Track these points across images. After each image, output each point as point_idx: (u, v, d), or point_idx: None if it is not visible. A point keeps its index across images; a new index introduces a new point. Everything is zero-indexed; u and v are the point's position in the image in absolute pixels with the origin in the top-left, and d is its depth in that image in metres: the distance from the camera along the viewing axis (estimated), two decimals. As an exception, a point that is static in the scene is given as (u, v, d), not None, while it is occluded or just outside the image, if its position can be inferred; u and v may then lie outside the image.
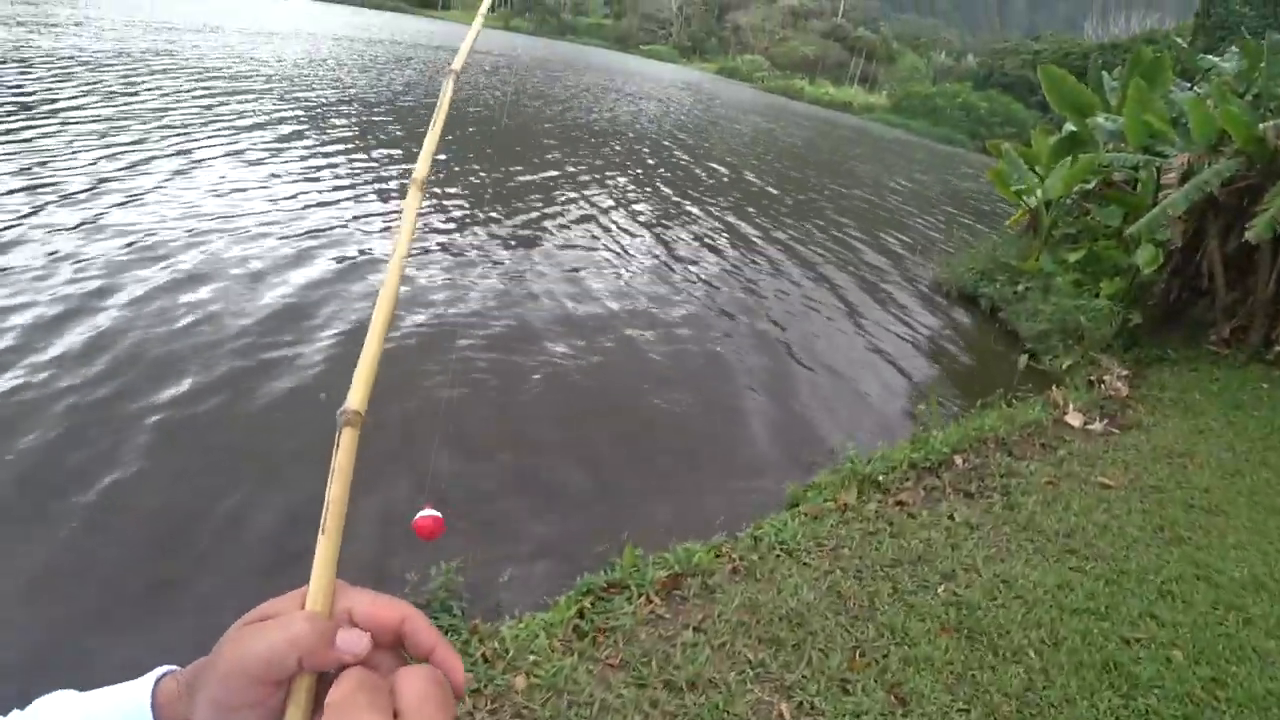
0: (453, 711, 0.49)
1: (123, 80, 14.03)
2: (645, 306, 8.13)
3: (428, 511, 0.79)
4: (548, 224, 10.60)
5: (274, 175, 9.95)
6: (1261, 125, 8.09)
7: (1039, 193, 10.33)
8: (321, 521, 0.54)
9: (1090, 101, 11.38)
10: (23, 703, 0.58)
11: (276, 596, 0.55)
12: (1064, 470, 5.48)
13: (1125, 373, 8.43)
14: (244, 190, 9.06)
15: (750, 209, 14.46)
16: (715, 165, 19.10)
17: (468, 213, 10.33)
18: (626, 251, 10.05)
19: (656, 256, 10.09)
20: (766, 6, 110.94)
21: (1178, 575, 4.03)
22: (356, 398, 0.59)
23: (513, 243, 9.41)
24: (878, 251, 12.92)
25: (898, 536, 4.13)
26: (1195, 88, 10.33)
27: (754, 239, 12.17)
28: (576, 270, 8.86)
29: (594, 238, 10.42)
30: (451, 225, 9.61)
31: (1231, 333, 9.49)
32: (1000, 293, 10.06)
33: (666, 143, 21.36)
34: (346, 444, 0.57)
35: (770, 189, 17.18)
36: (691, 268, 9.85)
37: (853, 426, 6.36)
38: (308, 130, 13.09)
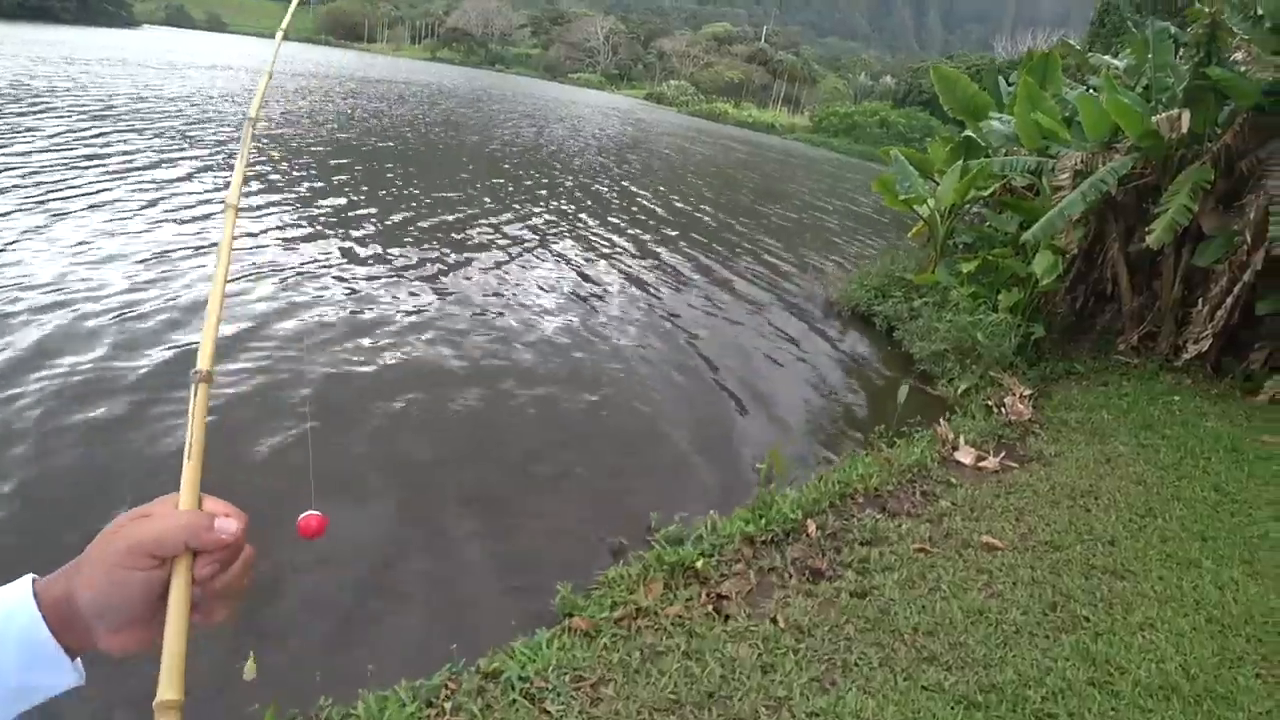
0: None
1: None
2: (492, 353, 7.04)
3: (313, 512, 0.87)
4: (456, 252, 10.09)
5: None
6: (1154, 118, 7.38)
7: (930, 202, 9.54)
8: (187, 451, 0.71)
9: (984, 103, 10.72)
10: None
11: (139, 506, 0.70)
12: (943, 529, 4.49)
13: (1028, 392, 7.58)
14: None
15: (636, 228, 13.51)
16: (634, 188, 18.19)
17: (369, 243, 9.80)
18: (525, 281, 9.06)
19: (549, 288, 9.04)
20: (692, 33, 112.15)
21: (1065, 685, 3.02)
22: (204, 360, 0.77)
23: (417, 274, 8.84)
24: (771, 271, 12.01)
25: (694, 656, 3.04)
26: (1089, 89, 9.70)
27: (632, 259, 11.19)
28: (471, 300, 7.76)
29: (499, 264, 9.86)
30: (335, 255, 9.04)
31: (1140, 340, 8.78)
32: (895, 310, 9.20)
33: (591, 166, 20.37)
34: (201, 395, 0.75)
35: (658, 209, 16.26)
36: (540, 302, 8.77)
37: (685, 490, 5.28)
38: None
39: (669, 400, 6.79)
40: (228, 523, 0.69)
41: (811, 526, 4.38)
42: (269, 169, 13.11)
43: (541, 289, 9.09)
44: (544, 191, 15.87)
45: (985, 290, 8.70)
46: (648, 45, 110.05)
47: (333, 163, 14.81)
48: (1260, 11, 6.87)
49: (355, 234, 10.01)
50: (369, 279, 8.33)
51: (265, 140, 15.94)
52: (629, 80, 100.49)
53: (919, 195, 9.40)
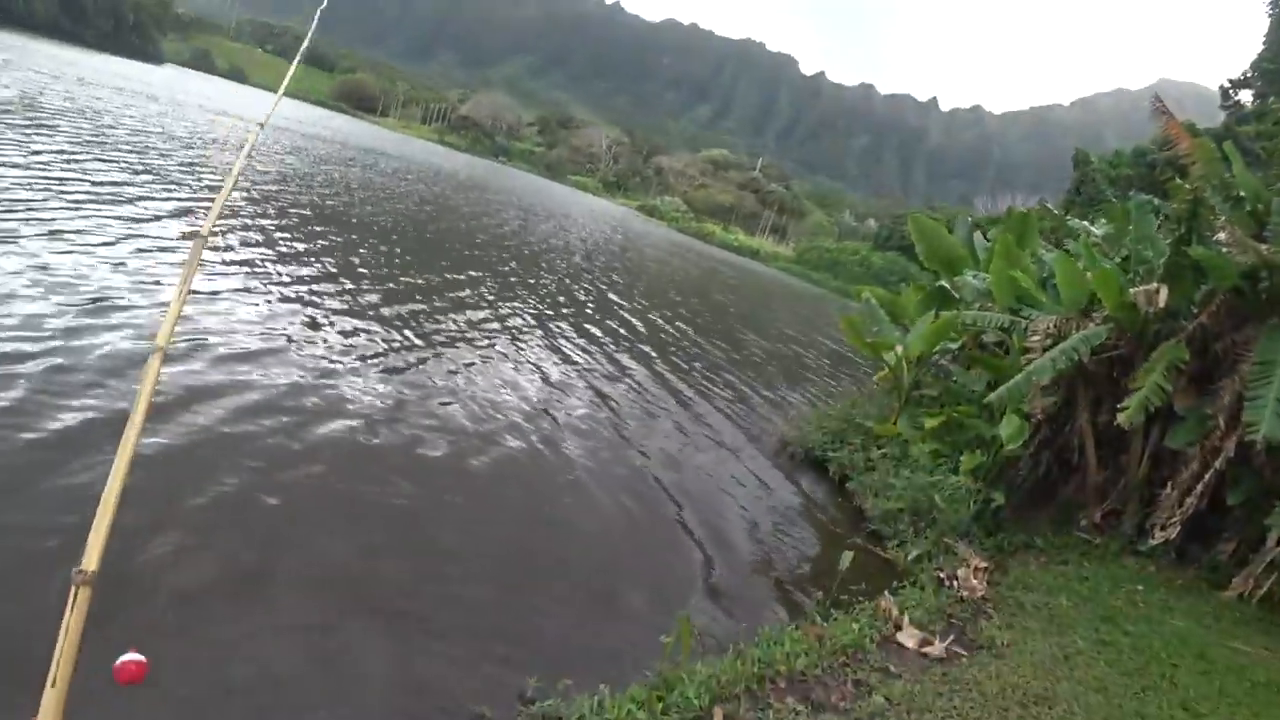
0: None
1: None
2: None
3: (132, 655, 0.77)
4: (420, 339, 9.65)
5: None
6: (1132, 290, 7.15)
7: (898, 348, 9.22)
8: (51, 675, 0.60)
9: (960, 255, 10.61)
10: None
11: None
12: (872, 734, 3.81)
13: (984, 564, 7.00)
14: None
15: (609, 337, 13.09)
16: (613, 295, 17.93)
17: (330, 317, 9.23)
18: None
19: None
20: (690, 155, 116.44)
21: None
22: (92, 558, 0.66)
23: (374, 354, 8.37)
24: (737, 401, 11.55)
25: None
26: (1067, 252, 9.59)
27: (599, 371, 10.68)
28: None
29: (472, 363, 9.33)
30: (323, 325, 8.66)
31: (1104, 517, 8.29)
32: (851, 459, 8.70)
33: (573, 269, 20.17)
34: (80, 604, 0.63)
35: (634, 321, 15.95)
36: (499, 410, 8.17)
37: (587, 641, 4.56)
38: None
39: (598, 526, 6.14)
40: None
41: (719, 716, 3.69)
42: (245, 223, 12.64)
43: (501, 387, 8.54)
44: (522, 289, 15.53)
45: (947, 448, 8.26)
46: (647, 160, 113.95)
47: (313, 228, 14.41)
48: (1241, 194, 6.75)
49: (317, 305, 9.48)
50: (324, 355, 7.74)
51: (247, 198, 15.57)
52: (625, 190, 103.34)
53: (886, 340, 9.07)
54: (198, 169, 17.09)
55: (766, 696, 4.01)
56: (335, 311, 9.48)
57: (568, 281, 18.34)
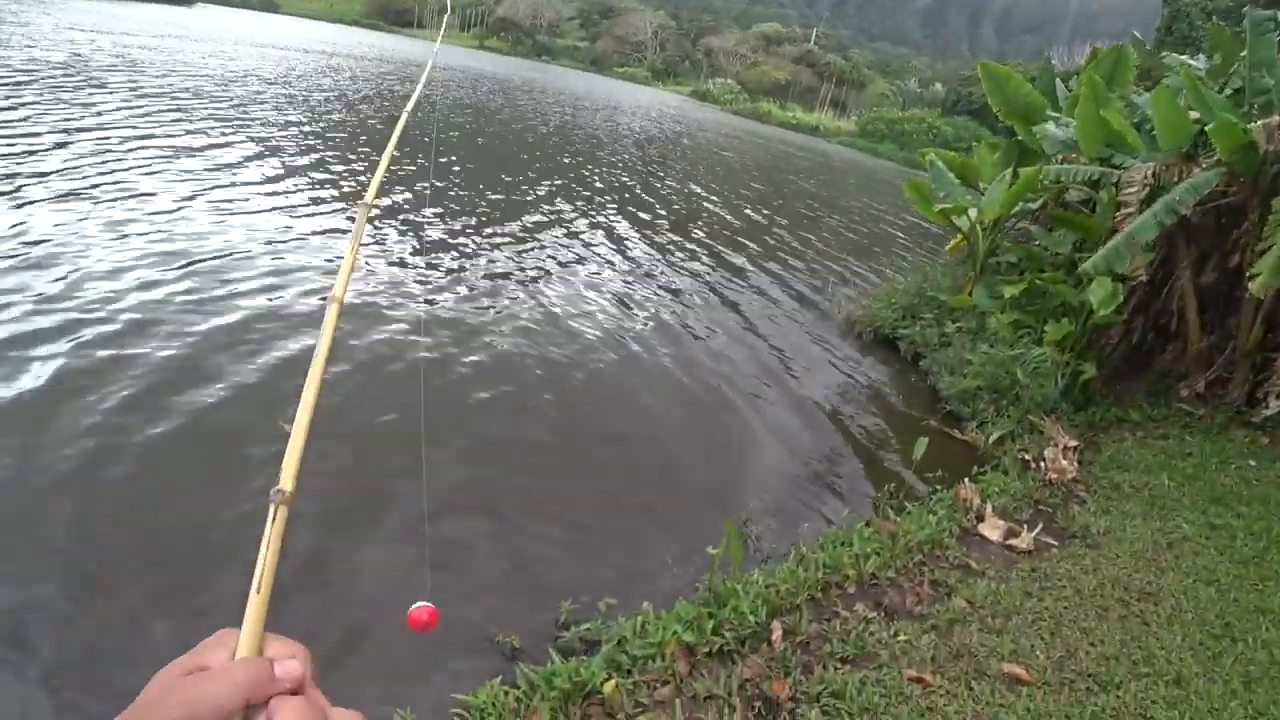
0: None
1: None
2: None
3: (422, 603, 0.79)
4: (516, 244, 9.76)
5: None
6: (1250, 125, 6.15)
7: (972, 212, 8.35)
8: (255, 582, 0.61)
9: (1038, 104, 9.48)
10: None
11: (190, 651, 0.59)
12: (953, 644, 3.40)
13: (1073, 443, 6.42)
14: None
15: (678, 227, 12.45)
16: (671, 183, 17.13)
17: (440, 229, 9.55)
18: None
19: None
20: (740, 32, 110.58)
21: None
22: (288, 479, 0.67)
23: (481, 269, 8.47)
24: (797, 286, 10.87)
25: None
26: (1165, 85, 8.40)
27: (652, 260, 10.15)
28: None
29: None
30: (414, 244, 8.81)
31: (1207, 387, 7.54)
32: (923, 335, 8.04)
33: (635, 167, 19.37)
34: (279, 520, 0.65)
35: (709, 208, 15.18)
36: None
37: (631, 557, 4.20)
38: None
39: (648, 425, 5.77)
40: (290, 666, 0.59)
41: (777, 631, 3.32)
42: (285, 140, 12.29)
43: (579, 290, 8.52)
44: (581, 186, 14.99)
45: (1030, 319, 7.52)
46: (696, 42, 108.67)
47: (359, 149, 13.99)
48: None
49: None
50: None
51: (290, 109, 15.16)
52: (675, 76, 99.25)
53: (958, 205, 8.21)
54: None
55: (833, 605, 3.63)
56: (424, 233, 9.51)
57: (620, 173, 17.56)
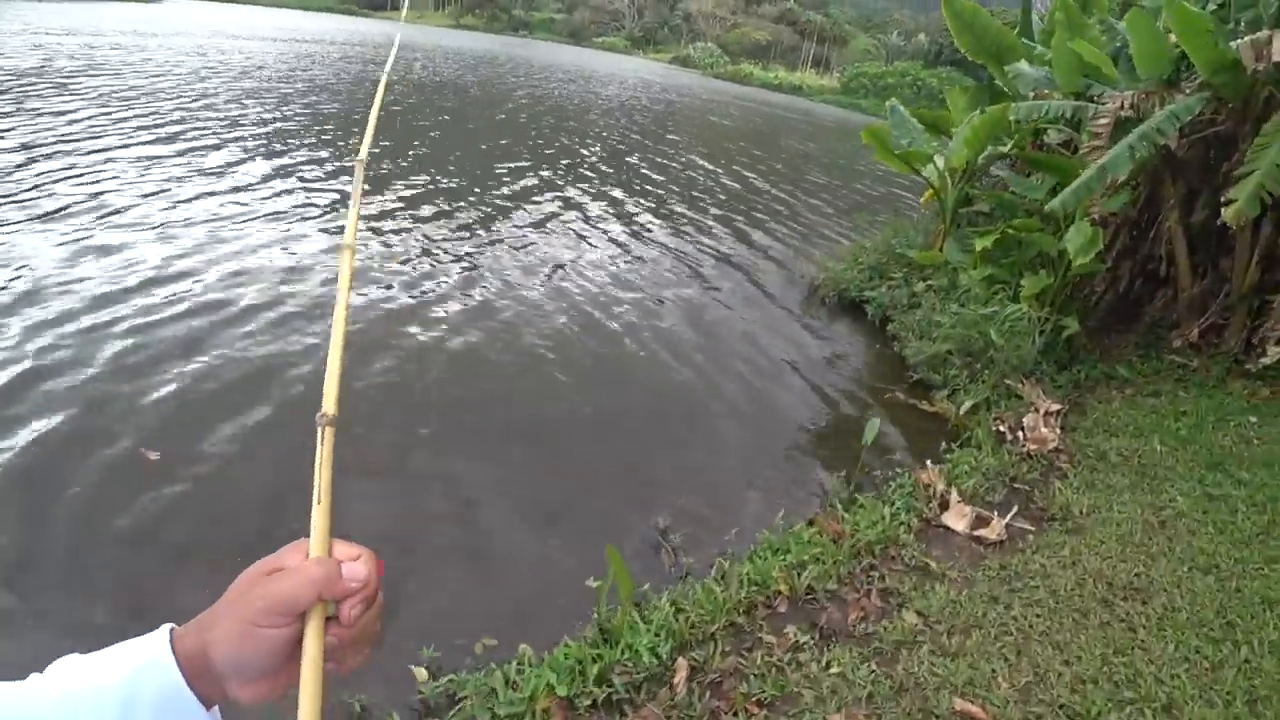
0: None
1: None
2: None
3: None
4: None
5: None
6: (1234, 43, 5.48)
7: (939, 160, 7.68)
8: (315, 495, 0.69)
9: (1010, 41, 8.76)
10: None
11: (271, 554, 0.69)
12: (896, 675, 2.82)
13: (1055, 407, 5.83)
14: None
15: (625, 190, 11.77)
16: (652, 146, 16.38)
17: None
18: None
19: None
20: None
21: None
22: (330, 403, 0.74)
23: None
24: (774, 252, 10.19)
25: None
26: (1141, 6, 7.66)
27: (635, 231, 9.51)
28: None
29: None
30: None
31: (1202, 335, 6.93)
32: (891, 297, 7.41)
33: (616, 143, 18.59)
34: (328, 439, 0.72)
35: (656, 175, 14.47)
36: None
37: (527, 589, 3.59)
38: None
39: (567, 411, 5.19)
40: (357, 568, 0.68)
41: (682, 671, 2.74)
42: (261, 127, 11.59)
43: (538, 259, 8.27)
44: (557, 156, 14.35)
45: (1004, 272, 6.90)
46: (674, 7, 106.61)
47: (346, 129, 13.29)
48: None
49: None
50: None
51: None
52: (654, 44, 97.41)
53: (920, 152, 7.52)
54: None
55: (758, 630, 3.05)
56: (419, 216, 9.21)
57: (593, 140, 16.87)
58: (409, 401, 5.03)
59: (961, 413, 5.59)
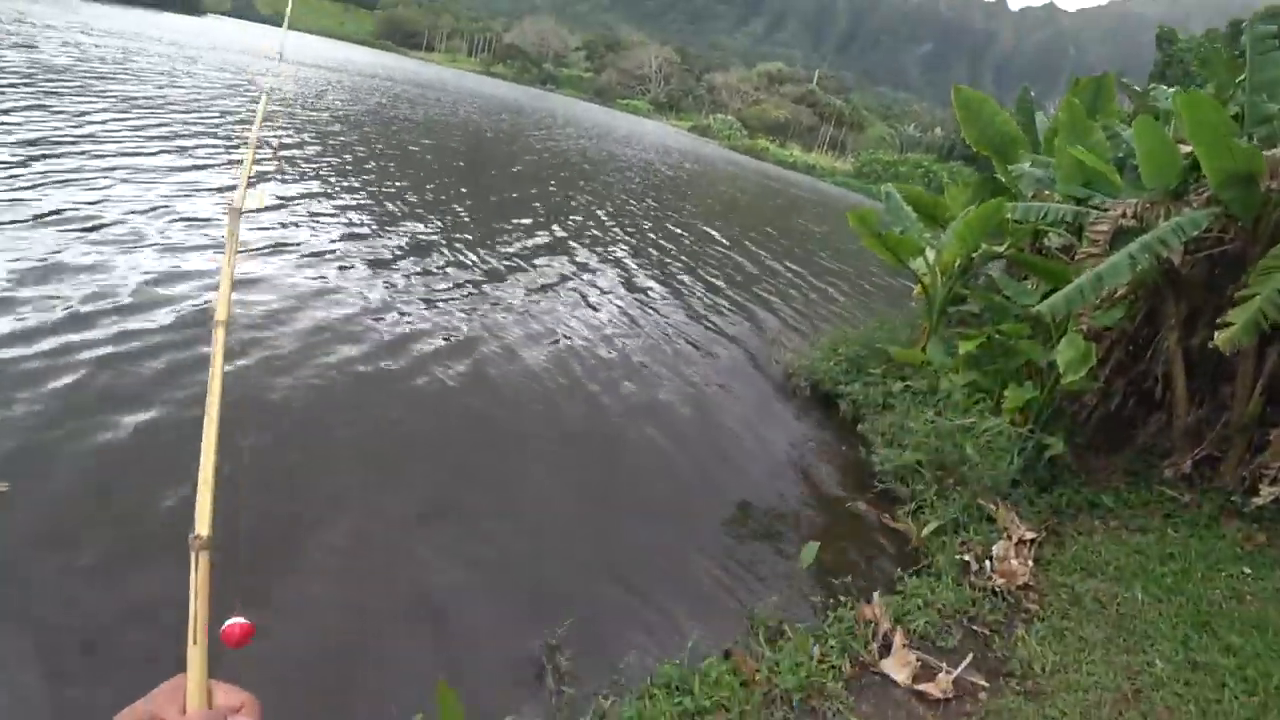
0: None
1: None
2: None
3: (237, 619, 0.80)
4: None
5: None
6: (1264, 154, 5.08)
7: (928, 254, 7.27)
8: (191, 634, 0.65)
9: (1014, 137, 8.47)
10: None
11: (143, 699, 0.64)
12: None
13: (1030, 535, 5.27)
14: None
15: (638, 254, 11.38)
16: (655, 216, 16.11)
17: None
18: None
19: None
20: (744, 70, 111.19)
21: None
22: (202, 523, 0.69)
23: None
24: (762, 325, 9.73)
25: None
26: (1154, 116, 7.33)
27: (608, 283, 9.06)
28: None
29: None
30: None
31: (1195, 467, 6.38)
32: (865, 394, 6.90)
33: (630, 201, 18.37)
34: (202, 566, 0.68)
35: (662, 242, 14.14)
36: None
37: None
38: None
39: (493, 502, 4.62)
40: None
41: None
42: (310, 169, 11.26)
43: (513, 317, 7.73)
44: (564, 209, 14.00)
45: (988, 380, 6.41)
46: (700, 78, 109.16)
47: (383, 165, 12.99)
48: None
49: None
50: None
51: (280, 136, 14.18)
52: (677, 110, 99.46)
53: (909, 241, 7.09)
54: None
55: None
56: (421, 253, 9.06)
57: (600, 204, 16.60)
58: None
59: (924, 534, 5.01)
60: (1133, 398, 7.18)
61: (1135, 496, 6.09)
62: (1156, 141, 5.64)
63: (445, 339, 6.65)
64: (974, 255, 7.09)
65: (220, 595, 0.71)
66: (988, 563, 4.81)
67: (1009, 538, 5.17)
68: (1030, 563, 4.96)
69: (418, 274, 8.22)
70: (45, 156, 8.75)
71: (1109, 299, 6.31)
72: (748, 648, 3.44)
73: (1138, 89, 10.04)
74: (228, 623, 0.79)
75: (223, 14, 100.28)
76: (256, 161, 1.17)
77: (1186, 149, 5.94)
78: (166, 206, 8.07)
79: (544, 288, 9.03)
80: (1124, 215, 5.58)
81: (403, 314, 6.94)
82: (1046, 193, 7.31)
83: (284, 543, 3.69)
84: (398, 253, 8.79)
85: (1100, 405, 7.25)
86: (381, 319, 6.69)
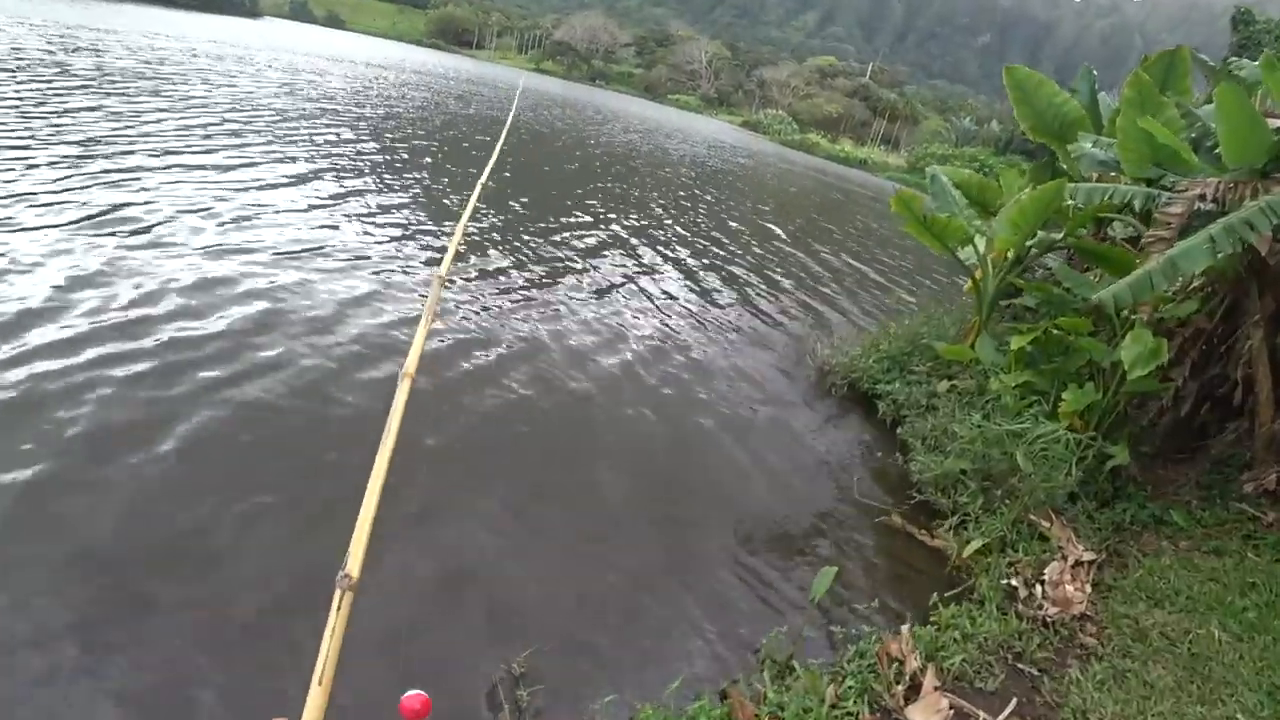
0: None
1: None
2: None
3: (414, 691, 0.78)
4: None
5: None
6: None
7: (978, 242, 6.65)
8: (318, 674, 0.63)
9: (1075, 117, 7.76)
10: None
11: None
12: None
13: (1089, 556, 4.68)
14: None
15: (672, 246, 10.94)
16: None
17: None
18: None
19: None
20: (795, 64, 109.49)
21: None
22: (355, 564, 0.68)
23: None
24: (774, 321, 9.19)
25: None
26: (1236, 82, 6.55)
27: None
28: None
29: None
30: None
31: (1279, 481, 5.69)
32: (908, 395, 6.32)
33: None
34: (344, 607, 0.65)
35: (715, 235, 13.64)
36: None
37: None
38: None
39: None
40: None
41: None
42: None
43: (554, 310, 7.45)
44: (611, 200, 13.71)
45: (1043, 381, 5.79)
46: (750, 73, 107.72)
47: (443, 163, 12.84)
48: None
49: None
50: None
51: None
52: (728, 106, 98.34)
53: (956, 225, 6.47)
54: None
55: None
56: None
57: (656, 199, 16.17)
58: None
59: (966, 553, 4.46)
60: (1207, 402, 6.46)
61: (1210, 514, 5.43)
62: (1242, 113, 4.97)
63: (508, 347, 6.31)
64: (1029, 244, 6.45)
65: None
66: (1039, 587, 4.24)
67: (1064, 559, 4.59)
68: (1088, 588, 4.38)
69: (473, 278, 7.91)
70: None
71: (1184, 290, 5.66)
72: (749, 687, 2.96)
73: (1214, 65, 9.20)
74: (408, 694, 0.73)
75: (281, 16, 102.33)
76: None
77: (1276, 123, 5.26)
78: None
79: (606, 289, 8.68)
80: (1201, 196, 4.92)
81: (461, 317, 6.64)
82: (1112, 175, 6.64)
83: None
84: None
85: (1171, 411, 6.54)
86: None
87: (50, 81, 12.59)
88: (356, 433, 4.21)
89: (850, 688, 3.03)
